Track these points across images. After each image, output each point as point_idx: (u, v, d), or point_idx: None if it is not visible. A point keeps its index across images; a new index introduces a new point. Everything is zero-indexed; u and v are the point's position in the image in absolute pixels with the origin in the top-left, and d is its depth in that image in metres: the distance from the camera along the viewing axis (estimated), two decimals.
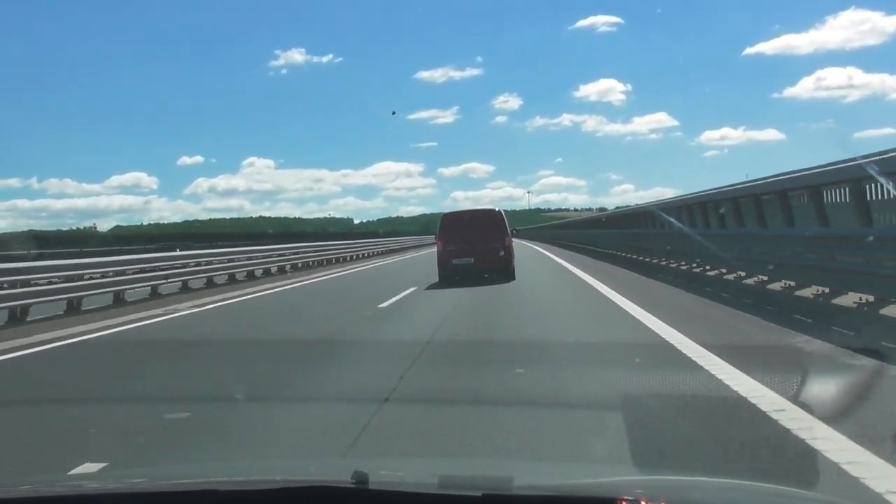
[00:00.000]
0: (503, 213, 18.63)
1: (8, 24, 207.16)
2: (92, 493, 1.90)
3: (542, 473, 2.73)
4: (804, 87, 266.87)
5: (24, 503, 1.76)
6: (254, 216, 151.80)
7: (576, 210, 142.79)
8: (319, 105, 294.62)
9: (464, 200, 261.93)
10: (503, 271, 17.15)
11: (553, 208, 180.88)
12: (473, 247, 17.25)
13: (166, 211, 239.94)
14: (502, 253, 17.33)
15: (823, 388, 5.46)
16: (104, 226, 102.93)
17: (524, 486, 1.98)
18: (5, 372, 8.25)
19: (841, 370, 5.95)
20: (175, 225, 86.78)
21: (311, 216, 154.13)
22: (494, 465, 3.46)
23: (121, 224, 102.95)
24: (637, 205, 24.58)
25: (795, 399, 4.92)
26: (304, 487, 1.63)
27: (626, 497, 1.58)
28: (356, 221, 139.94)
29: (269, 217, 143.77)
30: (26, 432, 5.32)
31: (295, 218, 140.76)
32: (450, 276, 17.22)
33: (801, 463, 3.97)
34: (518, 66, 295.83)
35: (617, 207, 32.79)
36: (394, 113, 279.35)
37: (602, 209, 44.95)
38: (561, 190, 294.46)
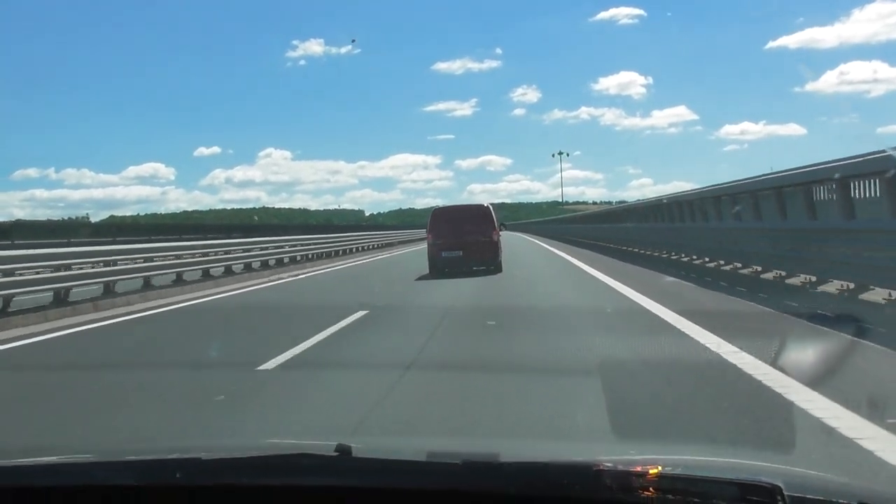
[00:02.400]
0: (491, 207, 19.18)
1: (26, 16, 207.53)
2: (73, 462, 1.92)
3: (526, 446, 2.89)
4: (827, 82, 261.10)
5: (4, 472, 1.78)
6: (256, 207, 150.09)
7: (594, 203, 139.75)
8: (337, 96, 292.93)
9: (480, 193, 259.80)
10: (491, 263, 17.72)
11: (571, 201, 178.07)
12: (462, 240, 17.73)
13: (183, 202, 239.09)
14: (490, 246, 17.92)
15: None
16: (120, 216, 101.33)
17: (504, 455, 2.07)
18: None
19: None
20: (173, 215, 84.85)
21: (327, 208, 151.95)
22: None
23: (114, 215, 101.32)
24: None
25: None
26: (288, 456, 1.68)
27: (603, 464, 1.60)
28: (367, 213, 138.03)
29: (275, 209, 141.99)
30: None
31: (300, 209, 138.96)
32: (440, 269, 17.65)
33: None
34: (537, 58, 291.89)
35: (638, 201, 29.80)
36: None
37: (622, 202, 42.66)
38: (578, 183, 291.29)
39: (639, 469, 1.59)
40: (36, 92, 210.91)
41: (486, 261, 17.76)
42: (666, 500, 1.50)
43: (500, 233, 18.99)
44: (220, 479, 1.65)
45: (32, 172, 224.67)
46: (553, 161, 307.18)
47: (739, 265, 13.63)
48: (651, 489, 1.51)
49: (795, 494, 1.46)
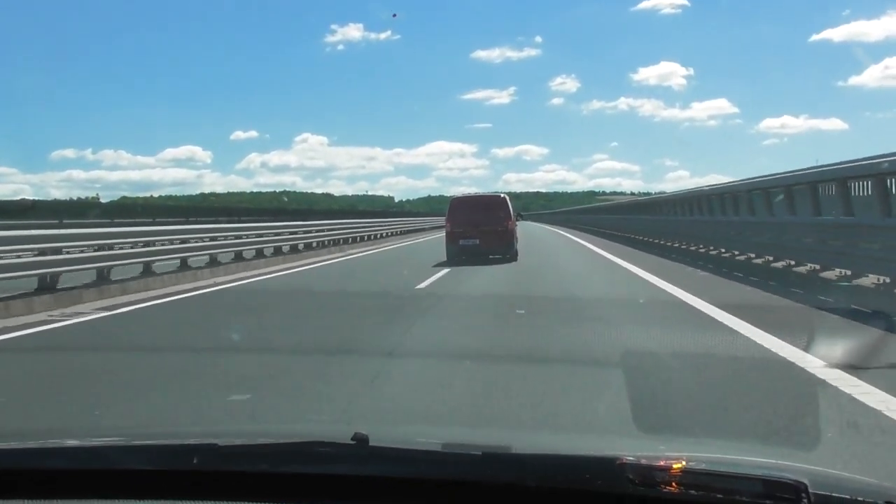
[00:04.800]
0: (507, 197, 19.59)
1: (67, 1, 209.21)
2: (92, 445, 1.92)
3: (546, 438, 2.87)
4: (871, 76, 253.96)
5: (26, 454, 1.79)
6: (287, 191, 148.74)
7: (632, 194, 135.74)
8: (375, 82, 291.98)
9: (516, 182, 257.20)
10: (506, 252, 18.16)
11: (608, 192, 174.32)
12: (479, 229, 18.24)
13: (219, 185, 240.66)
14: (505, 235, 18.38)
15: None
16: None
17: (524, 446, 2.08)
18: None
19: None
20: (189, 198, 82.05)
21: (357, 194, 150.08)
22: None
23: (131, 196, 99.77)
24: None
25: None
26: (305, 444, 1.68)
27: (626, 458, 1.55)
28: (396, 200, 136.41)
29: (302, 193, 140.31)
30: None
31: (324, 194, 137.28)
32: (457, 256, 18.12)
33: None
34: (577, 47, 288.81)
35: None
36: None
37: (660, 194, 39.90)
38: (615, 175, 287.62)
39: (662, 463, 1.56)
40: (74, 73, 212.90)
41: (501, 249, 18.26)
42: (689, 496, 1.48)
43: (517, 223, 19.65)
44: (236, 467, 1.63)
45: (70, 153, 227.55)
46: (590, 151, 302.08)
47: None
48: (674, 484, 1.48)
49: (821, 492, 1.43)
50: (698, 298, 9.22)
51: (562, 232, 43.24)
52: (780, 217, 12.90)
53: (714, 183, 22.37)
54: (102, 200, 55.24)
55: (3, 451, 1.81)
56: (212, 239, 17.33)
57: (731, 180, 19.46)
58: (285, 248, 21.42)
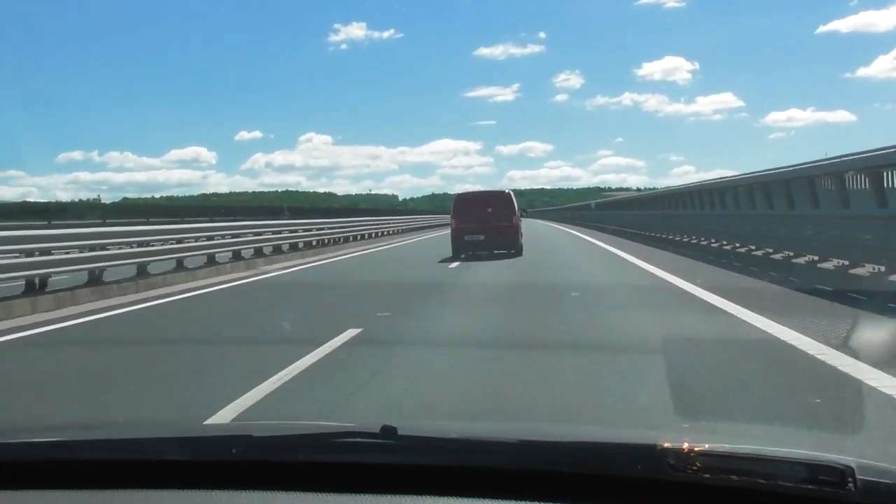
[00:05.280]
0: (512, 193, 19.83)
1: (72, 4, 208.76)
2: (121, 437, 1.93)
3: (580, 426, 2.90)
4: (879, 67, 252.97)
5: (59, 446, 1.78)
6: (279, 191, 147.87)
7: (638, 190, 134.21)
8: (379, 81, 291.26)
9: (520, 179, 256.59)
10: (511, 247, 18.33)
11: (613, 187, 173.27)
12: (484, 224, 18.43)
13: (224, 185, 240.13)
14: (511, 230, 18.57)
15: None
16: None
17: (560, 434, 1.97)
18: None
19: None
20: (191, 198, 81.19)
21: (360, 193, 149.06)
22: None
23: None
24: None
25: None
26: (339, 434, 1.67)
27: (665, 443, 1.51)
28: (401, 198, 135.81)
29: (305, 192, 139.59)
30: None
31: (327, 193, 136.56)
32: (463, 251, 18.40)
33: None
34: (581, 42, 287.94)
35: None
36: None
37: (668, 188, 38.74)
38: (620, 170, 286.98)
39: (702, 448, 1.50)
40: (81, 75, 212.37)
41: (506, 244, 18.40)
42: (730, 481, 1.42)
43: (521, 219, 19.65)
44: (275, 457, 1.62)
45: (77, 155, 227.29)
46: (595, 147, 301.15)
47: None
48: (715, 469, 1.44)
49: (868, 478, 1.37)
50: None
51: (569, 230, 42.07)
52: (834, 210, 11.10)
53: (721, 176, 21.36)
54: (105, 202, 54.36)
55: (36, 444, 1.82)
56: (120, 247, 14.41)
57: (735, 174, 18.60)
58: (246, 254, 18.36)
